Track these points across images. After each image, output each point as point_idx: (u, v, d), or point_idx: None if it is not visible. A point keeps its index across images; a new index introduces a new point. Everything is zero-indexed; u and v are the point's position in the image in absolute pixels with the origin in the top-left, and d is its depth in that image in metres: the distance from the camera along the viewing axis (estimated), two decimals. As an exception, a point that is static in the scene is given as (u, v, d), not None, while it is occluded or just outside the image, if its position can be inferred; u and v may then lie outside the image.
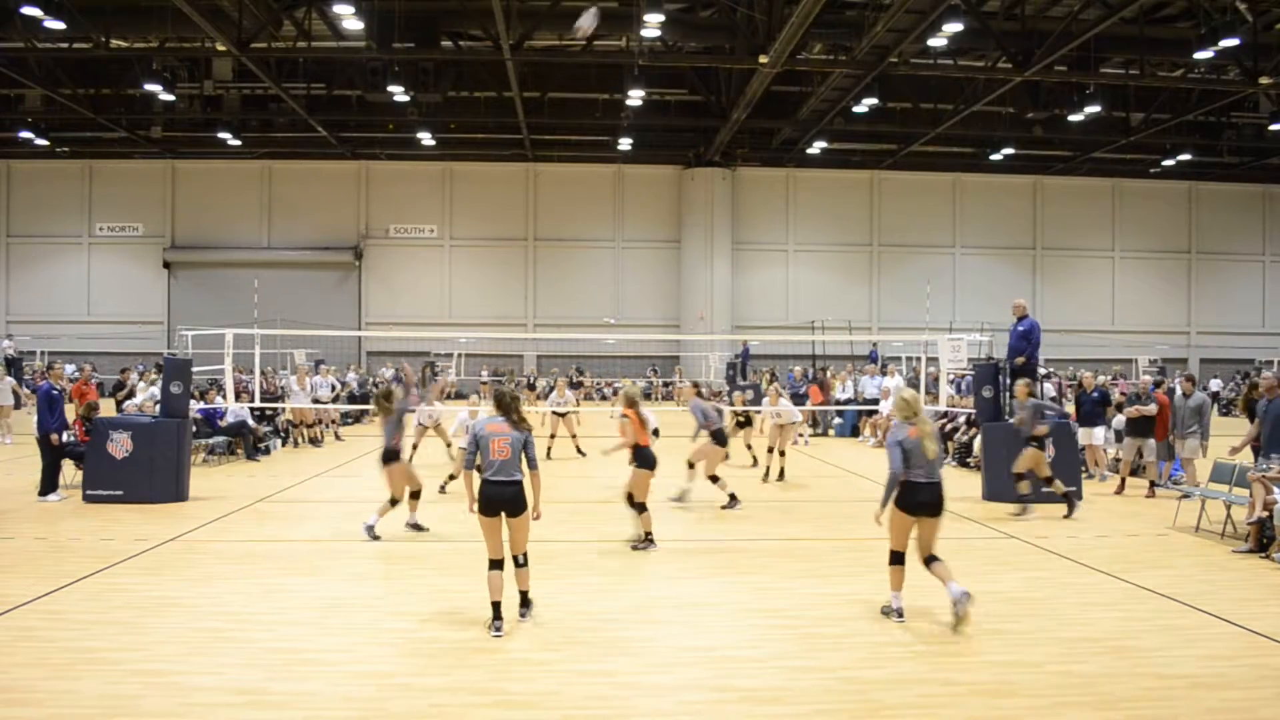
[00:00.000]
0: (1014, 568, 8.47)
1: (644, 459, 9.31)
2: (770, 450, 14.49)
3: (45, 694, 5.19)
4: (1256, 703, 5.29)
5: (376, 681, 5.47)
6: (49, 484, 11.66)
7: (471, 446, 6.65)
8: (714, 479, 11.48)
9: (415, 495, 9.77)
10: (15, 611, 6.71)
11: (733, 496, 11.50)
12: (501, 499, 6.40)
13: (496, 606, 6.38)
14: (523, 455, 6.52)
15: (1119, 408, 15.71)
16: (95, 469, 11.47)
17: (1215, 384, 34.83)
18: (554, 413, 17.33)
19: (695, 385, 14.99)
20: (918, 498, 6.52)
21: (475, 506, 6.43)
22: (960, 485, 13.76)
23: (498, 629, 6.32)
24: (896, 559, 6.70)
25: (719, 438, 11.39)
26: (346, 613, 6.85)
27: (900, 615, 6.67)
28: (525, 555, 6.62)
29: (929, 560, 6.66)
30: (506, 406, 6.59)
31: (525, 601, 6.70)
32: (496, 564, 6.45)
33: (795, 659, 5.94)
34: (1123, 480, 13.26)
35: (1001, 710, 5.13)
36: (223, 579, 7.80)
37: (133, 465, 11.42)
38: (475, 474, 6.64)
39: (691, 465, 11.80)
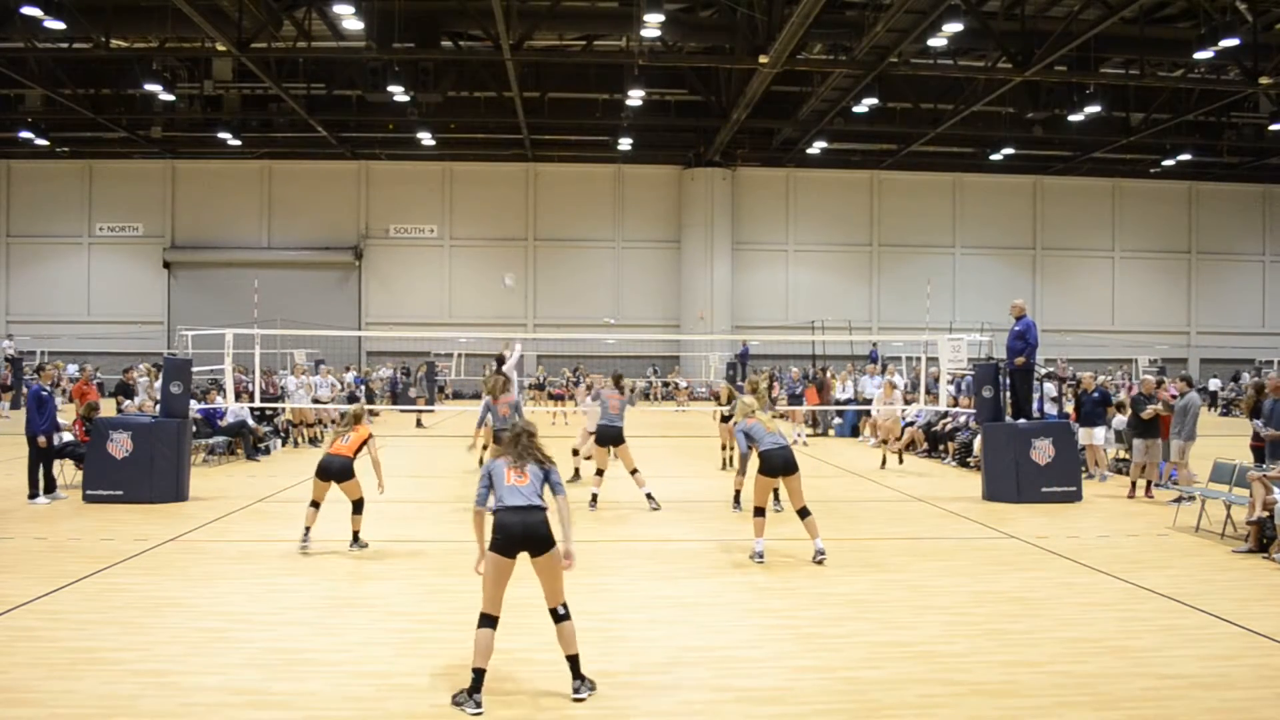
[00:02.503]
0: (1014, 568, 8.47)
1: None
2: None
3: (45, 694, 5.18)
4: (1257, 703, 5.28)
5: (376, 681, 5.46)
6: (36, 486, 11.42)
7: (484, 480, 5.40)
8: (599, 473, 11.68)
9: None
10: (15, 611, 6.71)
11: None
12: (523, 530, 5.09)
13: (479, 675, 4.98)
14: (545, 483, 5.38)
15: (1119, 407, 15.70)
16: (95, 469, 11.45)
17: (1214, 384, 34.84)
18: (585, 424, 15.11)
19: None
20: (773, 463, 8.32)
21: (487, 545, 5.21)
22: (960, 485, 13.77)
23: (477, 706, 4.92)
24: (759, 513, 8.53)
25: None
26: (346, 613, 6.85)
27: (761, 558, 8.38)
28: (566, 605, 5.23)
29: (802, 513, 8.43)
30: (523, 450, 5.42)
31: (577, 671, 5.20)
32: (490, 620, 5.10)
33: (795, 659, 5.94)
34: (1133, 484, 12.89)
35: (1001, 710, 5.12)
36: (223, 579, 7.80)
37: (133, 465, 11.41)
38: (487, 513, 5.36)
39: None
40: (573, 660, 5.20)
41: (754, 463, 8.73)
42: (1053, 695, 5.32)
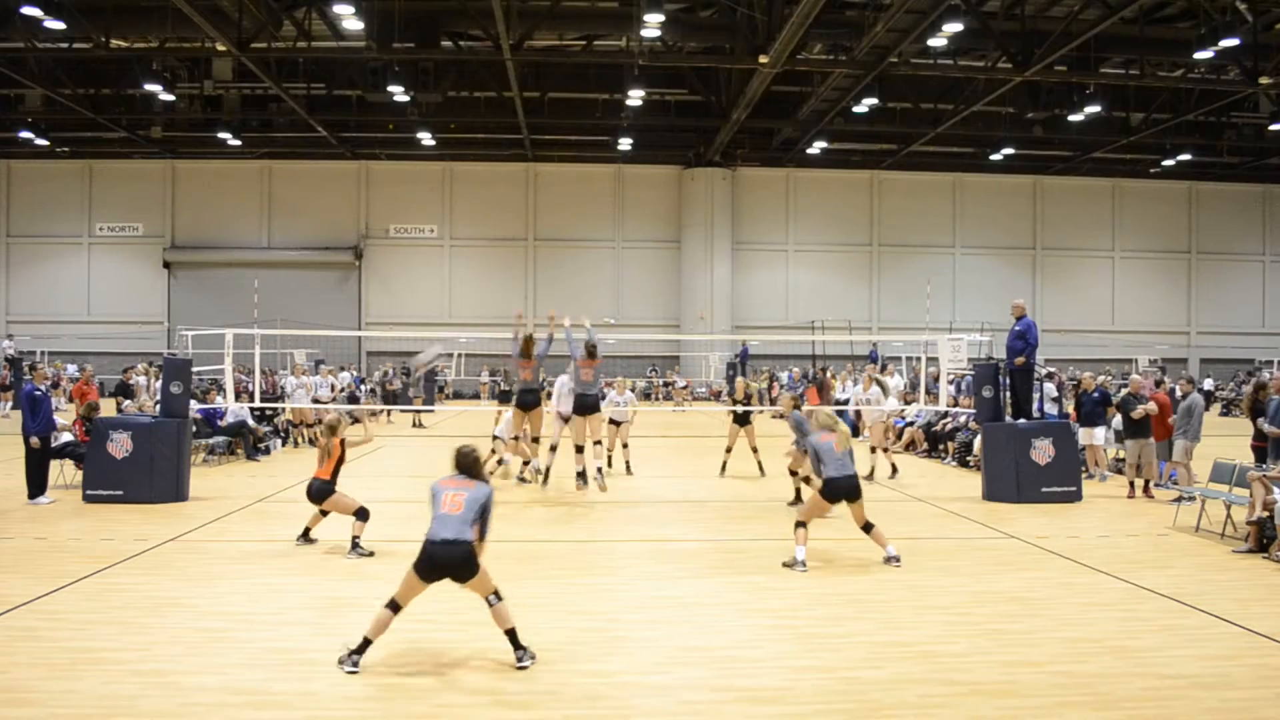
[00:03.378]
0: (1014, 568, 8.47)
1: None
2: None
3: (45, 694, 5.19)
4: (1257, 703, 5.29)
5: (376, 681, 5.46)
6: (35, 486, 11.42)
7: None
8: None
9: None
10: (15, 611, 6.71)
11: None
12: (445, 563, 5.58)
13: (367, 643, 5.61)
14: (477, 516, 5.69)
15: (1119, 407, 15.69)
16: (95, 469, 11.45)
17: (1209, 383, 34.85)
18: (610, 421, 14.46)
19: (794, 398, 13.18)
20: (837, 492, 8.27)
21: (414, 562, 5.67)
22: (960, 485, 13.78)
23: (354, 664, 5.55)
24: (802, 525, 8.36)
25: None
26: (346, 613, 6.85)
27: (804, 567, 8.18)
28: (497, 592, 5.77)
29: (866, 528, 8.42)
30: (468, 469, 5.89)
31: (516, 644, 5.76)
32: (395, 607, 5.69)
33: (795, 659, 5.94)
34: (1131, 484, 12.91)
35: (1001, 710, 5.12)
36: (223, 579, 7.80)
37: (133, 465, 11.40)
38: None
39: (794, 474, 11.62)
40: (510, 634, 5.73)
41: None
42: (1053, 695, 5.32)
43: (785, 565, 8.31)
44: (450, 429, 22.71)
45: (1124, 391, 14.49)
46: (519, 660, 5.69)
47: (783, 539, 9.38)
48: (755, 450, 14.89)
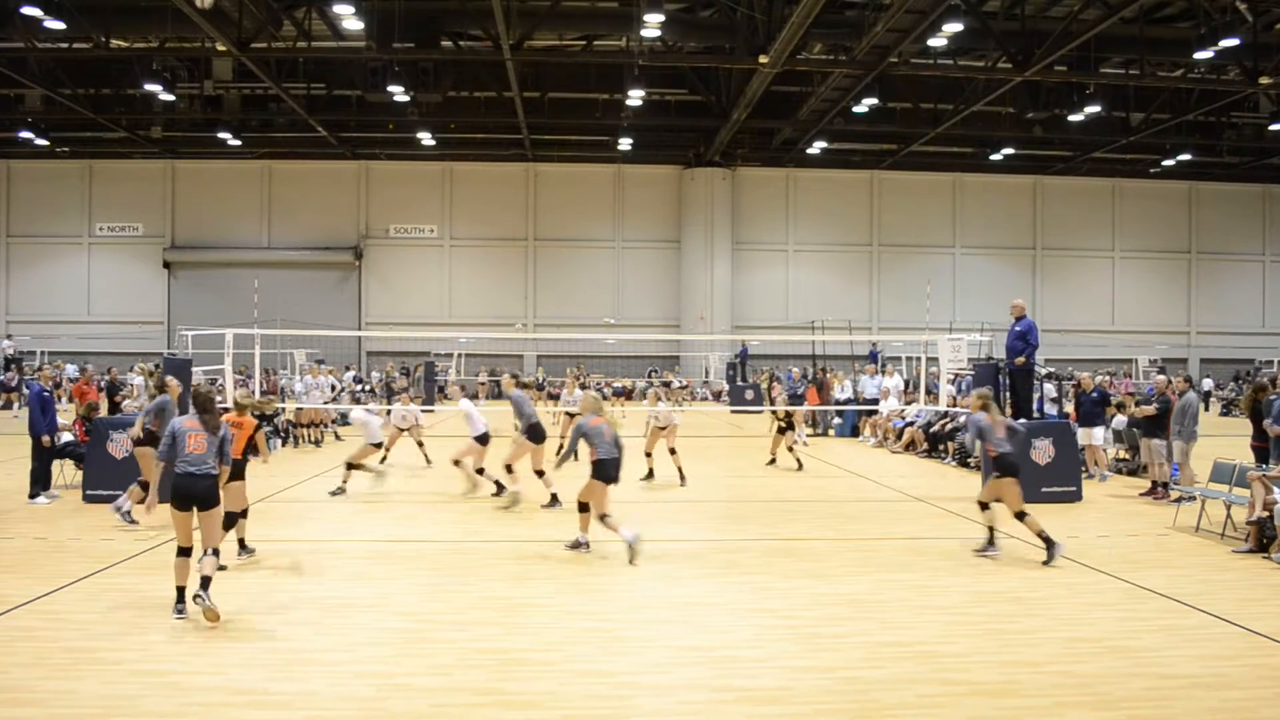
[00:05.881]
0: (1014, 568, 8.47)
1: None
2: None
3: (45, 694, 5.18)
4: (1257, 703, 5.28)
5: (376, 681, 5.46)
6: (38, 485, 11.53)
7: (167, 440, 6.79)
8: (509, 469, 11.50)
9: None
10: (15, 611, 6.71)
11: (554, 497, 11.21)
12: (193, 492, 6.60)
13: (181, 591, 6.58)
14: (218, 451, 6.78)
15: (1119, 407, 15.70)
16: (95, 469, 11.45)
17: (1207, 384, 34.85)
18: (655, 427, 13.93)
19: (515, 376, 13.28)
20: (608, 471, 8.69)
21: (155, 500, 7.13)
22: (960, 485, 13.77)
23: (180, 611, 6.51)
24: (583, 509, 8.79)
25: (535, 433, 11.29)
26: (346, 613, 6.85)
27: (588, 548, 8.77)
28: (217, 549, 6.73)
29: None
30: (202, 406, 6.85)
31: (205, 585, 6.49)
32: (185, 551, 6.63)
33: (795, 659, 5.93)
34: (1153, 484, 12.74)
35: (1001, 710, 5.12)
36: (223, 579, 7.78)
37: (133, 465, 11.36)
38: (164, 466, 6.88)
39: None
40: (205, 580, 6.47)
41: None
42: (1053, 695, 5.32)
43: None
44: (450, 429, 22.67)
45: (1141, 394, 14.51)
46: (197, 599, 6.40)
47: (782, 539, 9.39)
48: (791, 449, 15.74)
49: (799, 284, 39.01)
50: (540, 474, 11.30)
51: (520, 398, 11.54)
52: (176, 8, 21.38)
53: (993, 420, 8.89)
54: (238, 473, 8.27)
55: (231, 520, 8.22)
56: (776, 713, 5.11)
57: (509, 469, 11.52)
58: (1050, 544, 8.46)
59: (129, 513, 9.88)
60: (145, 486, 9.56)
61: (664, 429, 13.78)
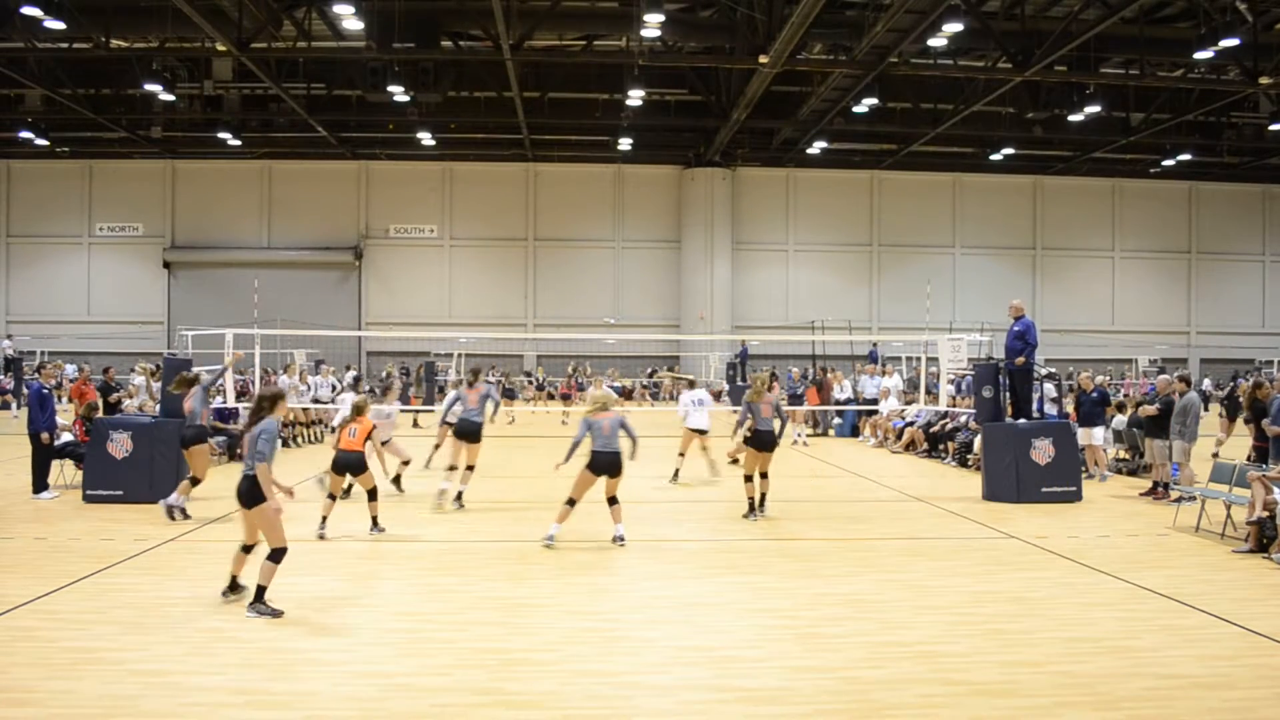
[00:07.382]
0: (1014, 568, 8.47)
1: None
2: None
3: (45, 694, 5.19)
4: (1257, 703, 5.28)
5: (376, 681, 5.46)
6: (41, 482, 11.68)
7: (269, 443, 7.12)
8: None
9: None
10: (15, 611, 6.71)
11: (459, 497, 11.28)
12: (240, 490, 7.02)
13: (234, 579, 7.08)
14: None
15: (1119, 407, 15.69)
16: (95, 469, 11.45)
17: (1206, 384, 34.87)
18: (691, 429, 13.80)
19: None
20: (600, 462, 8.94)
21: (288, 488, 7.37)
22: (960, 485, 13.77)
23: (227, 597, 7.02)
24: (570, 503, 9.04)
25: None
26: (346, 613, 6.85)
27: (552, 540, 9.02)
28: (276, 551, 6.94)
29: (611, 501, 9.19)
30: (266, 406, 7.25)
31: (260, 596, 6.79)
32: (248, 548, 7.08)
33: (795, 659, 5.94)
34: (1154, 484, 12.77)
35: (1001, 710, 5.12)
36: (223, 579, 7.78)
37: (132, 465, 11.40)
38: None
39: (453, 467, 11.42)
40: (259, 591, 6.70)
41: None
42: (1053, 695, 5.32)
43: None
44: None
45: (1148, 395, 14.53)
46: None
47: (782, 539, 9.39)
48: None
49: (799, 284, 39.01)
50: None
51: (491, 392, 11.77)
52: (176, 8, 21.37)
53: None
54: (361, 463, 9.54)
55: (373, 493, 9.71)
56: (776, 712, 5.12)
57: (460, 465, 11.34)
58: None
59: (183, 508, 10.30)
60: (195, 482, 10.32)
61: (702, 433, 13.73)
